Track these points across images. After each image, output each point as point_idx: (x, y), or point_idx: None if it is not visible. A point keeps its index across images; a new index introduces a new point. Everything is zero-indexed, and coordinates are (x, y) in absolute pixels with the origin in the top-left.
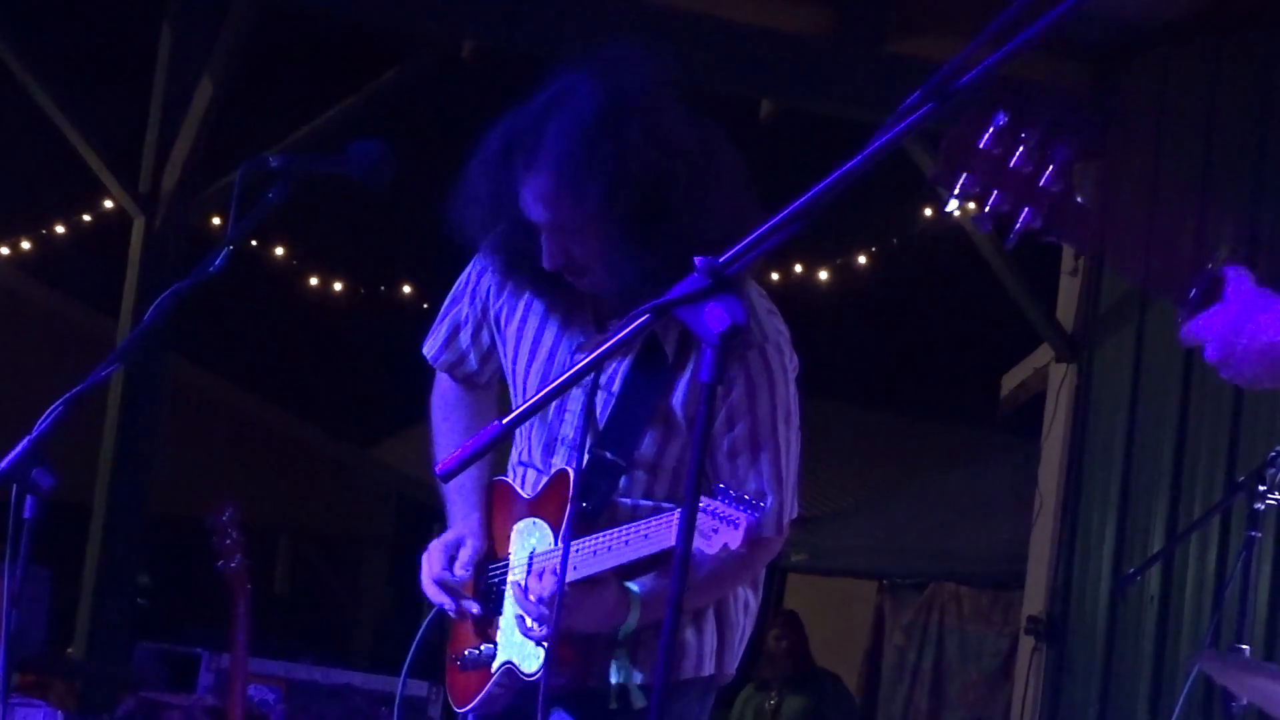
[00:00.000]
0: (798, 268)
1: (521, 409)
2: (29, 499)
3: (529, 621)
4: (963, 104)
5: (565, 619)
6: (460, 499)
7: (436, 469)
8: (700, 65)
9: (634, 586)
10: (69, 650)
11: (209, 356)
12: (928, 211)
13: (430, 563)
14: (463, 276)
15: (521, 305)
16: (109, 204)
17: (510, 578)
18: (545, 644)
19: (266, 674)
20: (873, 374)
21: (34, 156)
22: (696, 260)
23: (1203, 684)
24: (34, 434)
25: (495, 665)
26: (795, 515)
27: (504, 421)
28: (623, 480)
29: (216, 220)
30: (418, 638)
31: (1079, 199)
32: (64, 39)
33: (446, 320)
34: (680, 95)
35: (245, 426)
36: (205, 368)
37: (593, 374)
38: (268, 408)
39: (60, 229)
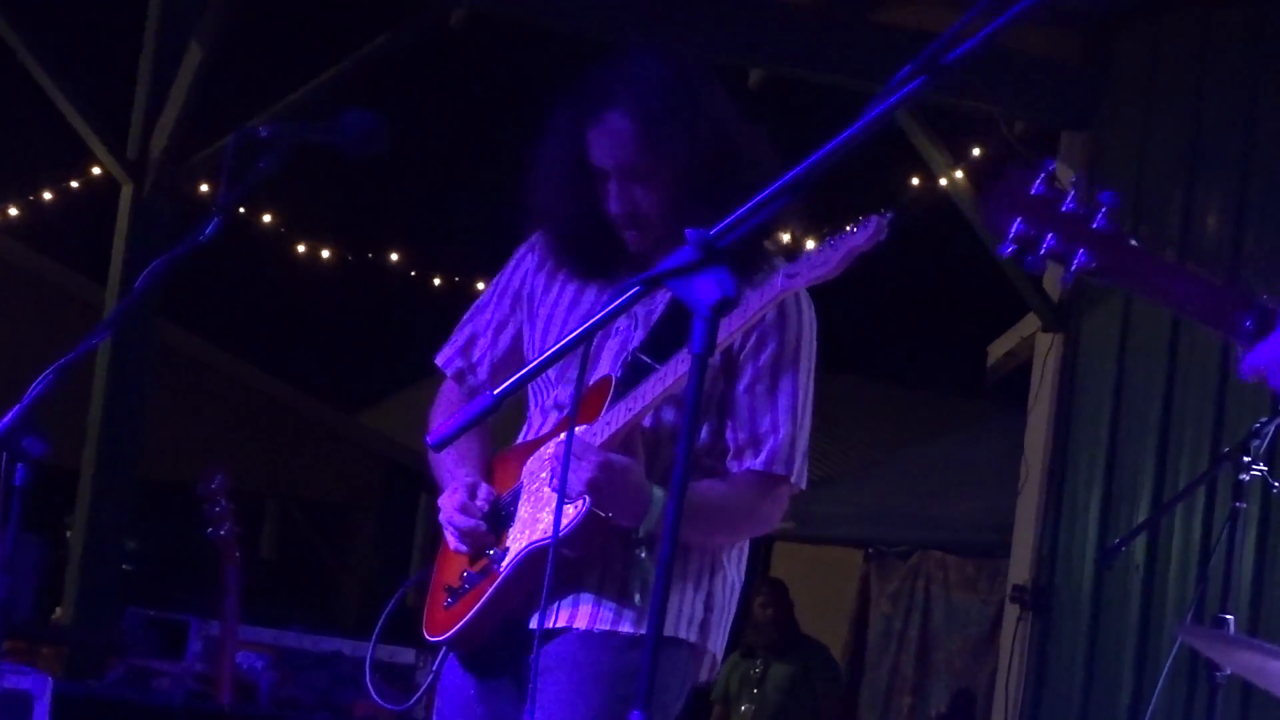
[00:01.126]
0: (785, 237)
1: (514, 378)
2: (19, 466)
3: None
4: (955, 76)
5: (599, 477)
6: (461, 464)
7: (428, 437)
8: (689, 33)
9: (657, 490)
10: (55, 615)
11: (198, 321)
12: (915, 181)
13: (452, 498)
14: (489, 286)
15: (558, 285)
16: (97, 170)
17: (528, 486)
18: (566, 497)
19: (255, 641)
20: (861, 343)
21: (22, 122)
22: (688, 232)
23: (1187, 652)
24: (24, 402)
25: (506, 561)
26: (804, 485)
27: (495, 392)
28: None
29: (205, 187)
30: (392, 603)
31: (1133, 241)
32: (53, 4)
33: (465, 330)
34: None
35: (234, 392)
36: (194, 333)
37: (584, 345)
38: (256, 373)
39: (48, 195)
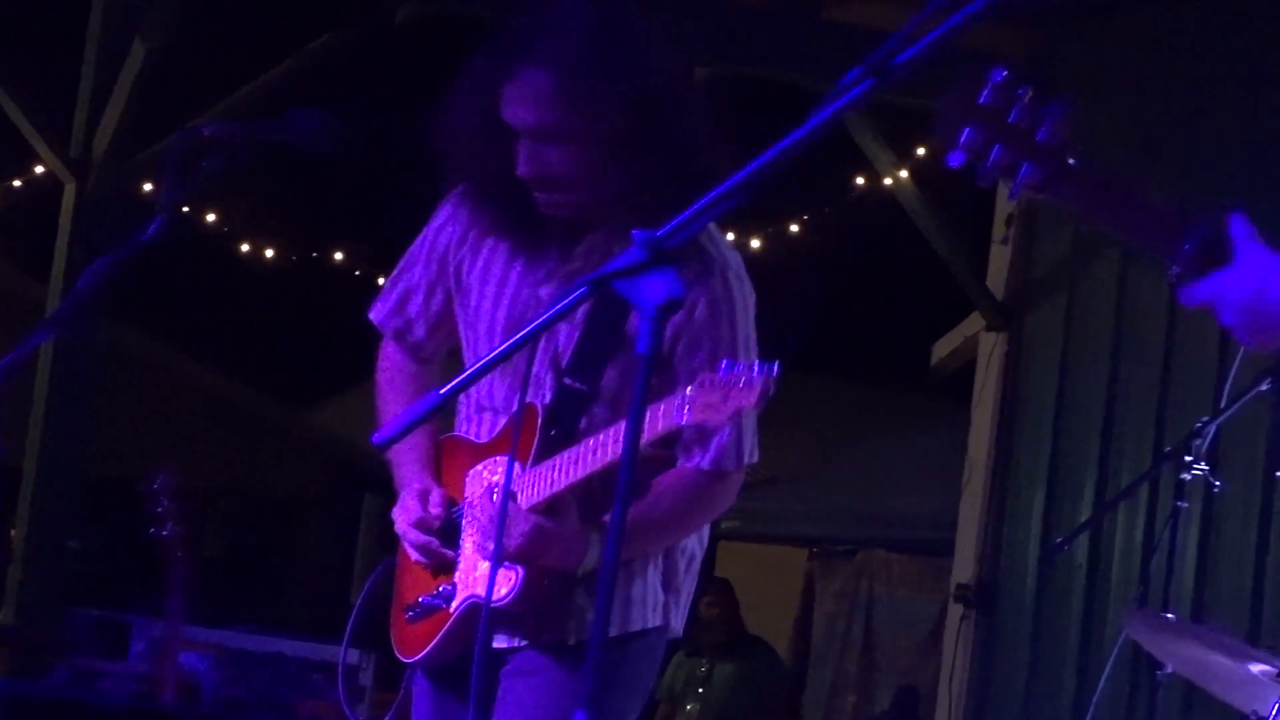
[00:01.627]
0: (730, 235)
1: (459, 379)
2: None
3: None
4: (904, 78)
5: (528, 548)
6: (412, 463)
7: (373, 437)
8: None
9: (594, 534)
10: None
11: (143, 319)
12: (860, 179)
13: (406, 511)
14: (418, 240)
15: (485, 251)
16: (40, 169)
17: (470, 514)
18: (500, 562)
19: (199, 641)
20: (805, 340)
21: None
22: (634, 233)
23: (1130, 652)
24: None
25: (455, 604)
26: (756, 459)
27: (442, 391)
28: (591, 410)
29: (148, 186)
30: (357, 607)
31: (1070, 160)
32: None
33: (398, 285)
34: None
35: (179, 388)
36: (139, 330)
37: (532, 344)
38: (201, 369)
39: None
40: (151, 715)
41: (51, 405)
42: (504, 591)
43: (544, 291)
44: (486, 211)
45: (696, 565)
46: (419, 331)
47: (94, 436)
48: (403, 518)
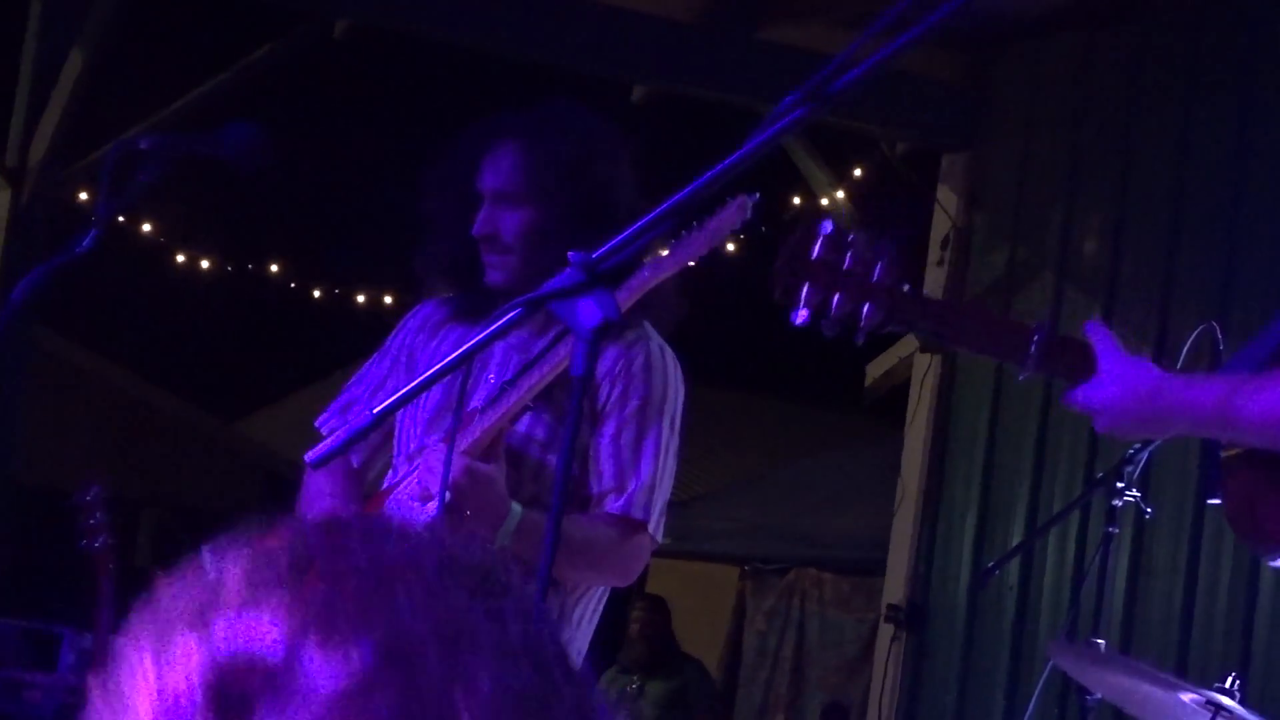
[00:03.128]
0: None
1: (395, 397)
2: None
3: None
4: (841, 103)
5: (460, 483)
6: (338, 496)
7: (307, 455)
8: (573, 48)
9: (516, 506)
10: None
11: (75, 328)
12: (797, 200)
13: None
14: (376, 354)
15: (440, 334)
16: None
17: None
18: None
19: None
20: (739, 358)
21: None
22: (571, 255)
23: (1059, 674)
24: None
25: None
26: (659, 539)
27: (375, 411)
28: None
29: (84, 195)
30: None
31: (907, 288)
32: None
33: (346, 394)
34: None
35: (110, 398)
36: (71, 339)
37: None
38: (133, 380)
39: None
40: None
41: None
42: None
43: (499, 357)
44: (448, 283)
45: (584, 626)
46: (355, 452)
47: (25, 445)
48: None
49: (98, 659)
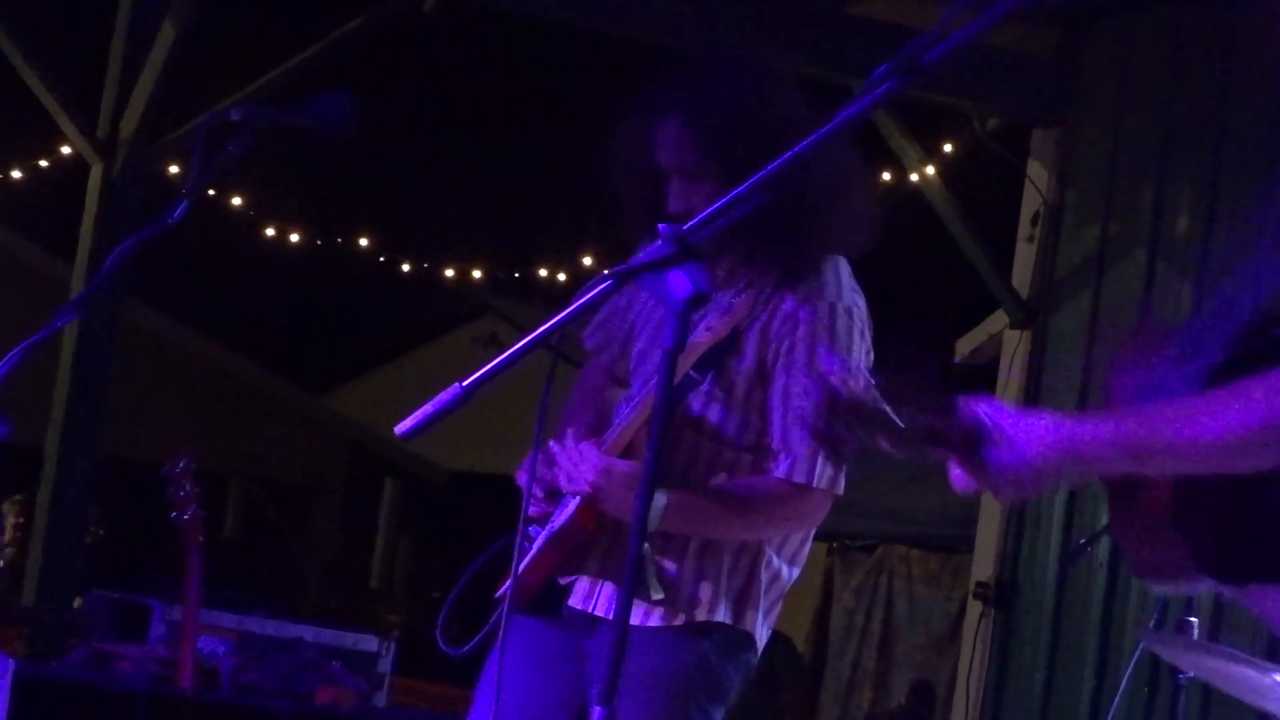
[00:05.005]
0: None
1: (482, 371)
2: None
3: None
4: (933, 76)
5: (596, 481)
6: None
7: (397, 429)
8: (662, 23)
9: (660, 494)
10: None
11: (164, 300)
12: (886, 175)
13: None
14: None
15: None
16: (67, 149)
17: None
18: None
19: (217, 626)
20: None
21: None
22: (661, 227)
23: (1149, 653)
24: None
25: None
26: (839, 490)
27: (464, 384)
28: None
29: (174, 168)
30: (452, 596)
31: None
32: None
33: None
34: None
35: (198, 370)
36: (160, 311)
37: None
38: (222, 352)
39: (17, 174)
40: (169, 700)
41: (74, 388)
42: (566, 512)
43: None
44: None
45: (783, 581)
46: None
47: (114, 417)
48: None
49: (187, 631)
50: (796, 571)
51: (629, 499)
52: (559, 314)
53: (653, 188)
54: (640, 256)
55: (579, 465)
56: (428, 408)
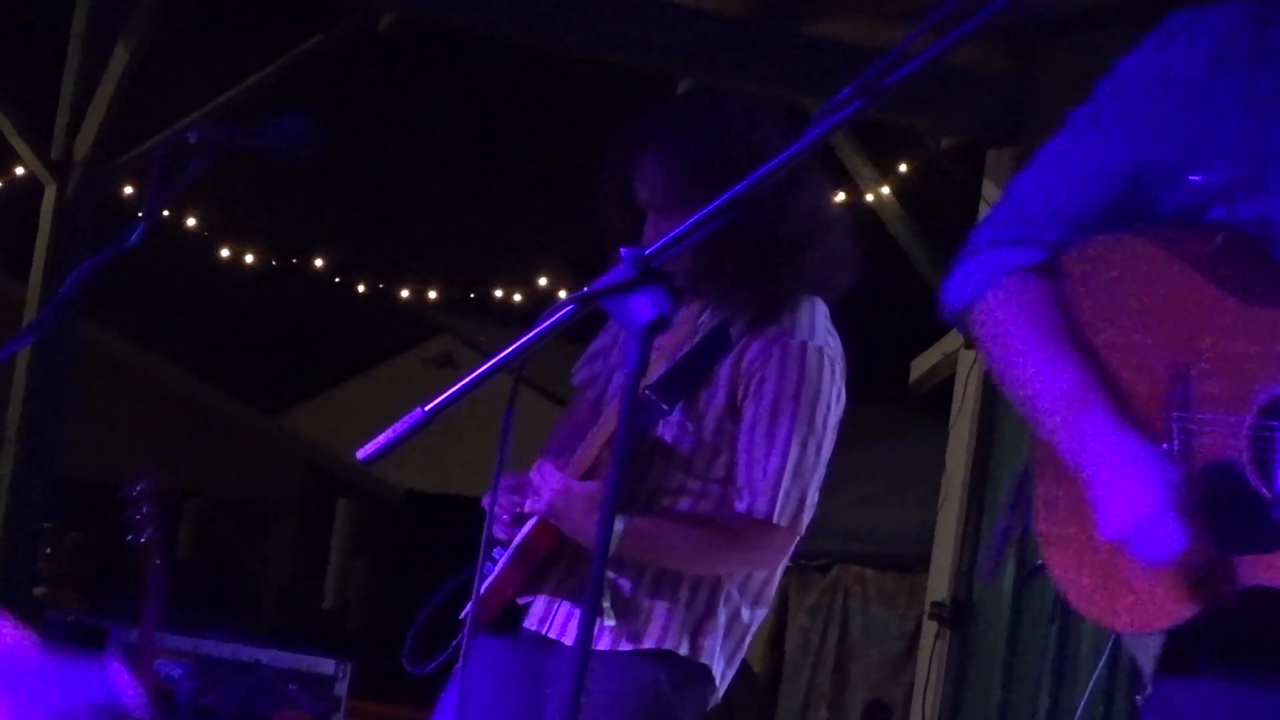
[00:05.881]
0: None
1: (443, 397)
2: None
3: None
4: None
5: (554, 501)
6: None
7: (358, 453)
8: (619, 42)
9: (621, 519)
10: None
11: (119, 320)
12: (842, 196)
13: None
14: None
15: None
16: (20, 170)
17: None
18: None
19: (174, 649)
20: None
21: None
22: (622, 251)
23: (1106, 673)
24: None
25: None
26: (800, 531)
27: (426, 409)
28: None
29: (129, 189)
30: (420, 619)
31: None
32: None
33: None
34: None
35: (152, 391)
36: (115, 331)
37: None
38: (175, 372)
39: None
40: None
41: (28, 410)
42: (520, 533)
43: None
44: None
45: (746, 623)
46: None
47: (70, 439)
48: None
49: (145, 654)
50: (761, 614)
51: (588, 521)
52: (518, 336)
53: (634, 223)
54: (602, 280)
55: (539, 486)
56: (389, 432)
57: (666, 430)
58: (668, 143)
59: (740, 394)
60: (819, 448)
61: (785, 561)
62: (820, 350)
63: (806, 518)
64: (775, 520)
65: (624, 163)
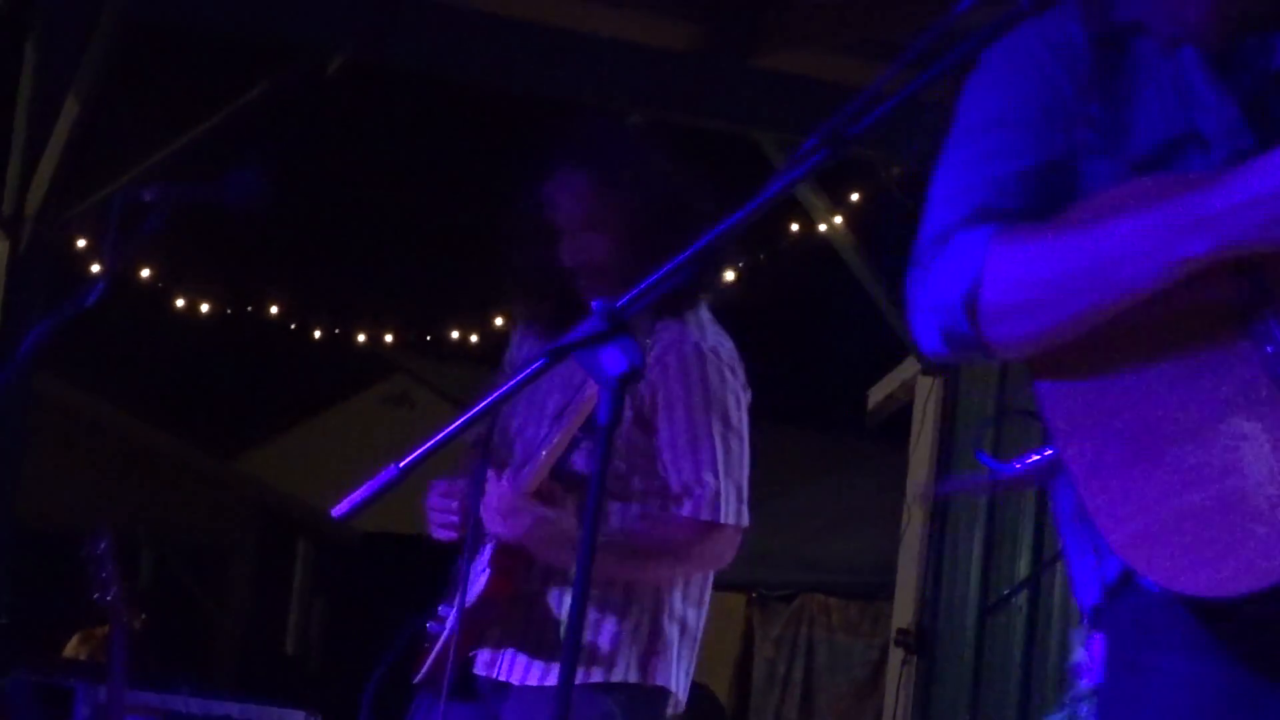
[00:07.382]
0: None
1: (418, 451)
2: None
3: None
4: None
5: (530, 544)
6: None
7: (333, 511)
8: (568, 80)
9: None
10: None
11: (72, 368)
12: (795, 226)
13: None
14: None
15: (525, 351)
16: None
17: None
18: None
19: (143, 705)
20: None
21: None
22: (594, 304)
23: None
24: None
25: (449, 619)
26: (745, 523)
27: (400, 465)
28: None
29: (82, 242)
30: (377, 673)
31: None
32: None
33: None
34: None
35: (107, 438)
36: (68, 380)
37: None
38: (130, 420)
39: None
40: None
41: None
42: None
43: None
44: (533, 309)
45: (692, 628)
46: None
47: (25, 489)
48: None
49: (113, 713)
50: (704, 612)
51: (563, 547)
52: (473, 374)
53: (545, 249)
54: (574, 333)
55: (511, 516)
56: (364, 489)
57: (578, 459)
58: (583, 156)
59: (647, 407)
60: (740, 439)
61: (734, 553)
62: (715, 350)
63: (747, 509)
64: (721, 520)
65: (536, 188)
